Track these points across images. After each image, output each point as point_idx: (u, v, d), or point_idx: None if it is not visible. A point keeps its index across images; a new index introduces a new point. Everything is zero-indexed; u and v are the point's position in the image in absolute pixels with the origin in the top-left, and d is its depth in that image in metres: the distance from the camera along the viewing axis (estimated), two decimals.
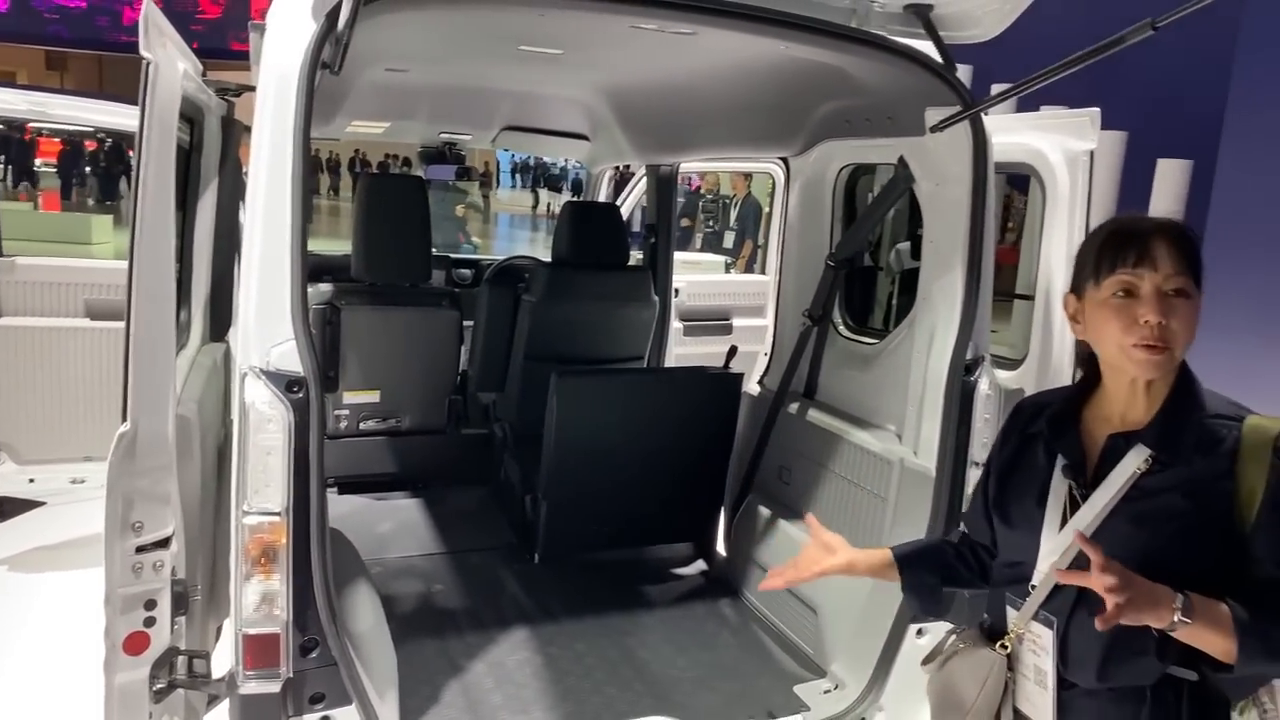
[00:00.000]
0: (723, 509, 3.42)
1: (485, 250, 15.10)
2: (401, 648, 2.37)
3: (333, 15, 1.78)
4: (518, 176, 30.23)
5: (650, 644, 2.84)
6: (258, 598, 1.87)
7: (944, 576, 1.72)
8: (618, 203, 4.80)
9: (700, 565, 3.43)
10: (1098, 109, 2.45)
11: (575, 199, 4.72)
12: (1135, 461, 1.39)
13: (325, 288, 3.73)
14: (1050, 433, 1.52)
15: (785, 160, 3.27)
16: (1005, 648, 1.53)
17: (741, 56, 2.59)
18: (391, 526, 3.65)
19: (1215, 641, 1.30)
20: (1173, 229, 1.40)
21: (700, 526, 3.46)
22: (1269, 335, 2.79)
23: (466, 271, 4.81)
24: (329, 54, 1.83)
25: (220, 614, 2.45)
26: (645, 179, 4.35)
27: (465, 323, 3.97)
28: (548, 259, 3.87)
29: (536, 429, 3.26)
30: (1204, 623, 1.29)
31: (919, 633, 2.41)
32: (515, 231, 22.51)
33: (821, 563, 1.73)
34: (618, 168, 5.07)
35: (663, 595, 3.21)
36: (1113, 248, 1.40)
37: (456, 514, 3.82)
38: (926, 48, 2.30)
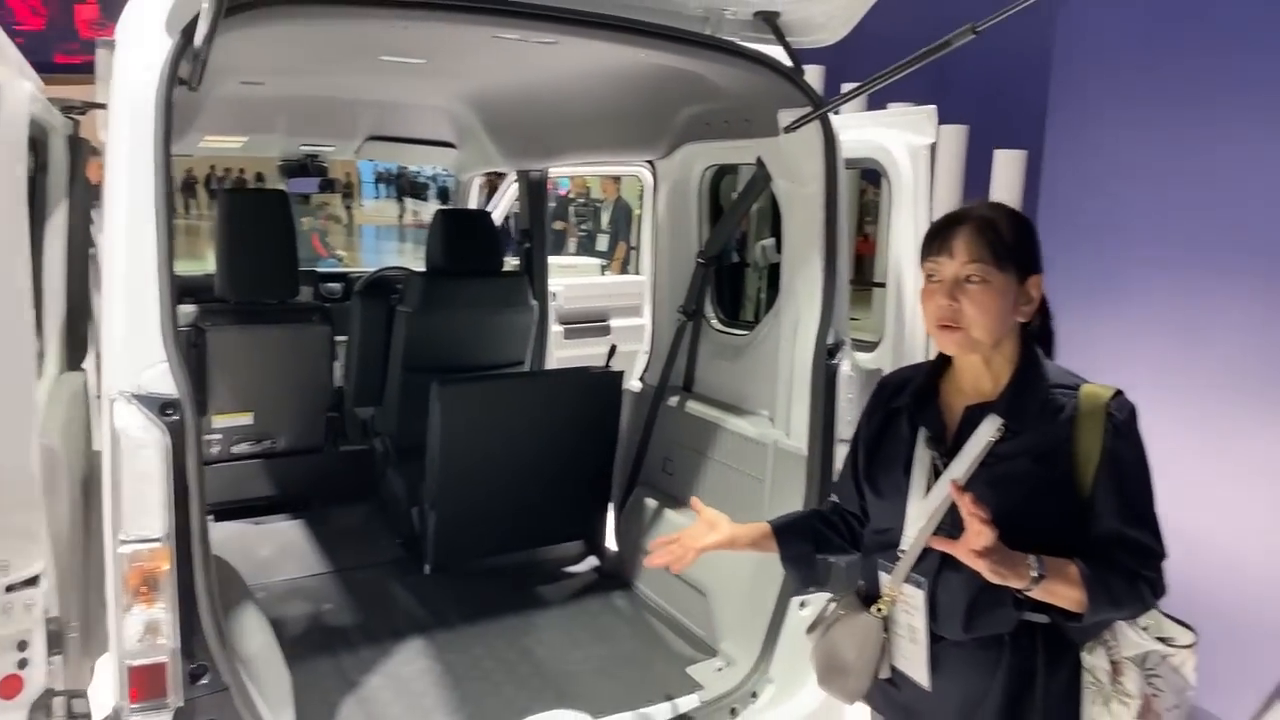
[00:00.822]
0: (610, 504, 3.50)
1: (351, 264, 14.70)
2: (295, 669, 2.33)
3: (189, 30, 1.75)
4: (381, 187, 29.54)
5: (547, 641, 2.88)
6: (140, 628, 1.81)
7: (817, 545, 1.83)
8: (488, 209, 4.81)
9: (592, 561, 3.50)
10: (934, 106, 2.66)
11: (444, 207, 4.70)
12: (989, 430, 1.52)
13: (188, 309, 3.60)
14: (913, 406, 1.65)
15: (651, 163, 3.37)
16: (881, 611, 1.64)
17: (604, 63, 2.67)
18: (273, 550, 3.56)
19: (1067, 595, 1.44)
20: (981, 220, 1.53)
21: (589, 524, 3.52)
22: (1093, 311, 3.07)
23: (335, 285, 4.72)
24: (185, 70, 1.80)
25: (96, 650, 2.35)
26: (516, 185, 4.38)
27: (338, 338, 3.90)
28: (419, 269, 3.85)
29: (418, 441, 3.25)
30: (1056, 581, 1.43)
31: (802, 605, 2.55)
32: (382, 243, 21.97)
33: (704, 538, 1.82)
34: (488, 174, 5.08)
35: (557, 594, 3.26)
36: (929, 237, 1.56)
37: (341, 532, 3.75)
38: (777, 52, 2.44)
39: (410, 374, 3.69)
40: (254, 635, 2.20)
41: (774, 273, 4.74)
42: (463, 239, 3.72)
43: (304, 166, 4.61)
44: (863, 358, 2.74)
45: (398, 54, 2.82)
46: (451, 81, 3.41)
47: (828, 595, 2.38)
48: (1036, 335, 1.61)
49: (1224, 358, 2.79)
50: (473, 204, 4.90)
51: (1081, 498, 1.49)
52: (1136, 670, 1.51)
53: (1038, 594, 1.44)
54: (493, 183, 5.79)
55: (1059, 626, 1.51)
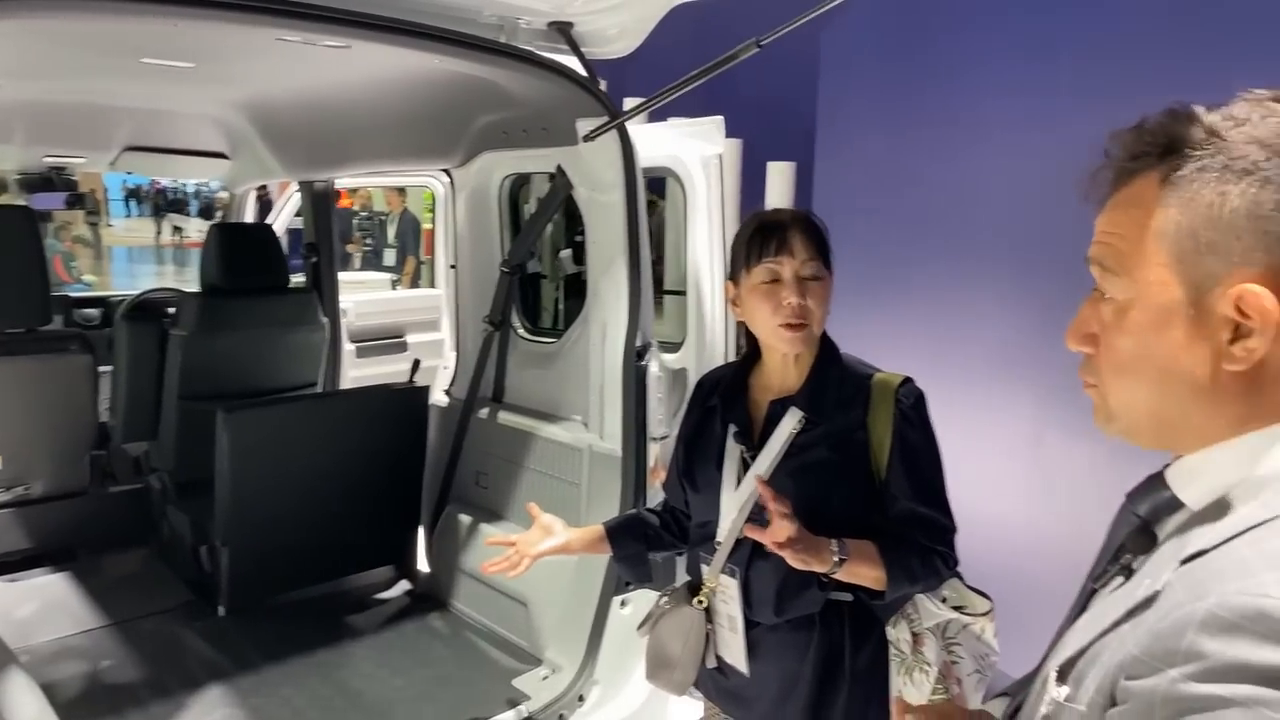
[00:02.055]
0: (421, 524, 3.39)
1: (103, 289, 13.31)
2: None
3: None
4: (132, 204, 26.94)
5: (363, 672, 2.75)
6: None
7: (649, 543, 1.88)
8: (266, 223, 4.54)
9: (404, 585, 3.37)
10: (721, 117, 2.80)
11: (216, 223, 4.39)
12: (790, 423, 1.61)
13: None
14: (722, 404, 1.72)
15: (448, 172, 3.31)
16: (702, 602, 1.70)
17: (395, 69, 2.60)
18: (36, 608, 3.15)
19: (868, 574, 1.54)
20: (806, 221, 1.64)
21: (400, 546, 3.40)
22: (863, 309, 3.33)
23: (92, 311, 4.27)
24: None
25: None
26: (299, 197, 4.15)
27: (101, 368, 3.54)
28: (191, 290, 3.57)
29: (201, 475, 3.01)
30: (858, 562, 1.52)
31: (623, 604, 2.59)
32: (137, 267, 20.08)
33: (540, 544, 1.81)
34: (262, 188, 4.79)
35: (369, 622, 3.12)
36: (759, 239, 1.61)
37: (116, 581, 3.39)
38: (573, 63, 2.48)
39: (188, 403, 3.41)
40: (23, 703, 1.94)
41: (570, 283, 4.79)
42: (243, 255, 3.48)
43: (49, 180, 4.14)
44: (668, 358, 2.83)
45: (162, 56, 2.60)
46: (224, 87, 3.19)
47: (651, 594, 2.45)
48: None
49: (979, 348, 3.12)
50: (249, 218, 4.60)
51: (878, 481, 1.60)
52: (935, 640, 1.63)
53: (841, 575, 1.52)
54: (263, 196, 5.47)
55: (863, 604, 1.62)
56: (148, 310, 3.78)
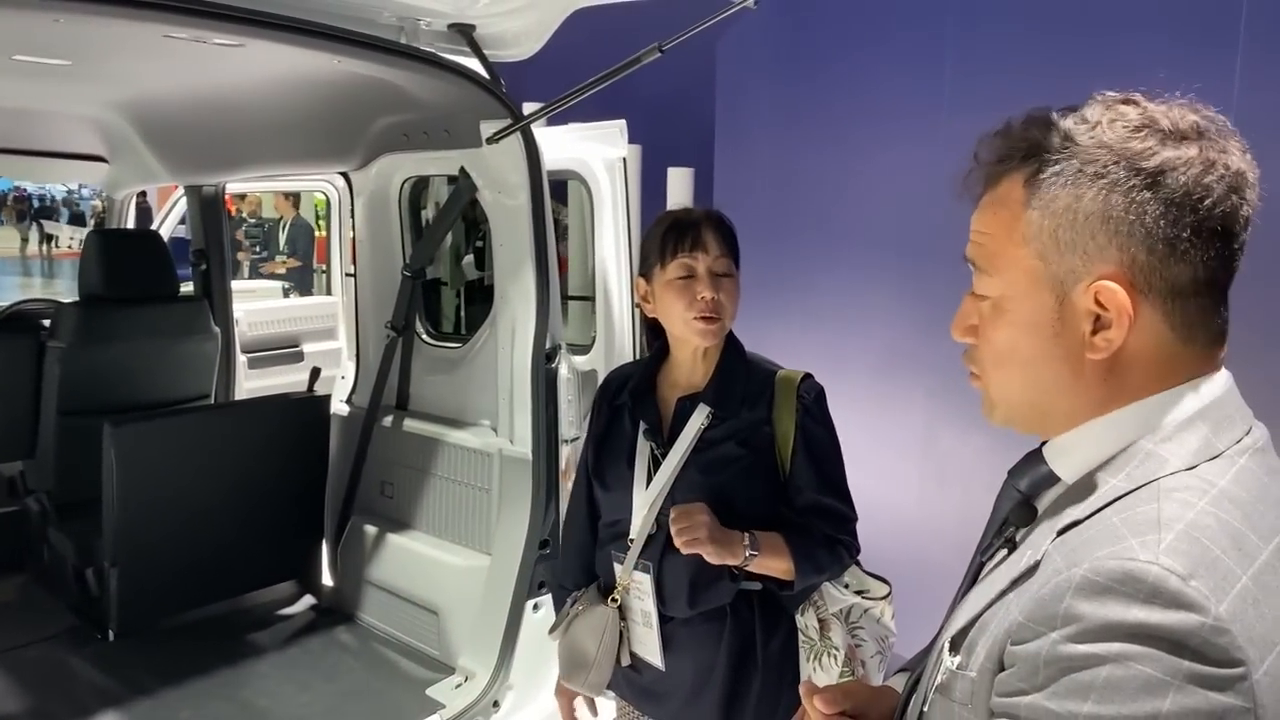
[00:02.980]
0: (325, 537, 3.30)
1: None
2: None
3: None
4: None
5: (269, 691, 2.66)
6: None
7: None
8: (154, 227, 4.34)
9: (308, 600, 3.27)
10: (624, 120, 2.83)
11: (95, 229, 4.17)
12: (698, 419, 1.65)
13: None
14: (631, 401, 1.74)
15: (346, 175, 3.24)
16: (615, 600, 1.71)
17: (291, 69, 2.53)
18: None
19: (779, 566, 1.60)
20: (718, 219, 1.69)
21: (302, 560, 3.29)
22: (767, 308, 3.42)
23: None
24: None
25: None
26: (185, 202, 3.99)
27: None
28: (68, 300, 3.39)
29: (86, 493, 2.86)
30: (768, 554, 1.58)
31: (535, 608, 2.59)
32: (4, 279, 18.82)
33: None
34: (141, 196, 4.58)
35: (273, 639, 3.01)
36: (674, 236, 1.65)
37: None
38: (475, 65, 2.47)
39: (69, 418, 3.23)
40: None
41: (471, 289, 4.75)
42: (127, 262, 3.32)
43: None
44: (578, 360, 2.85)
45: (34, 54, 2.47)
46: (104, 86, 3.04)
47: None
48: None
49: (873, 344, 3.24)
50: (130, 224, 4.38)
51: (783, 474, 1.65)
52: (840, 624, 1.69)
53: (753, 567, 1.58)
54: (142, 205, 5.24)
55: (773, 593, 1.67)
56: (20, 322, 3.57)
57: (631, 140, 5.17)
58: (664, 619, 1.69)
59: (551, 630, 1.83)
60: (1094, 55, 2.42)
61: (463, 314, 5.61)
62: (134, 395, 3.34)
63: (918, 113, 2.98)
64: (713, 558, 1.53)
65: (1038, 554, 0.76)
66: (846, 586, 1.71)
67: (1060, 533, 0.76)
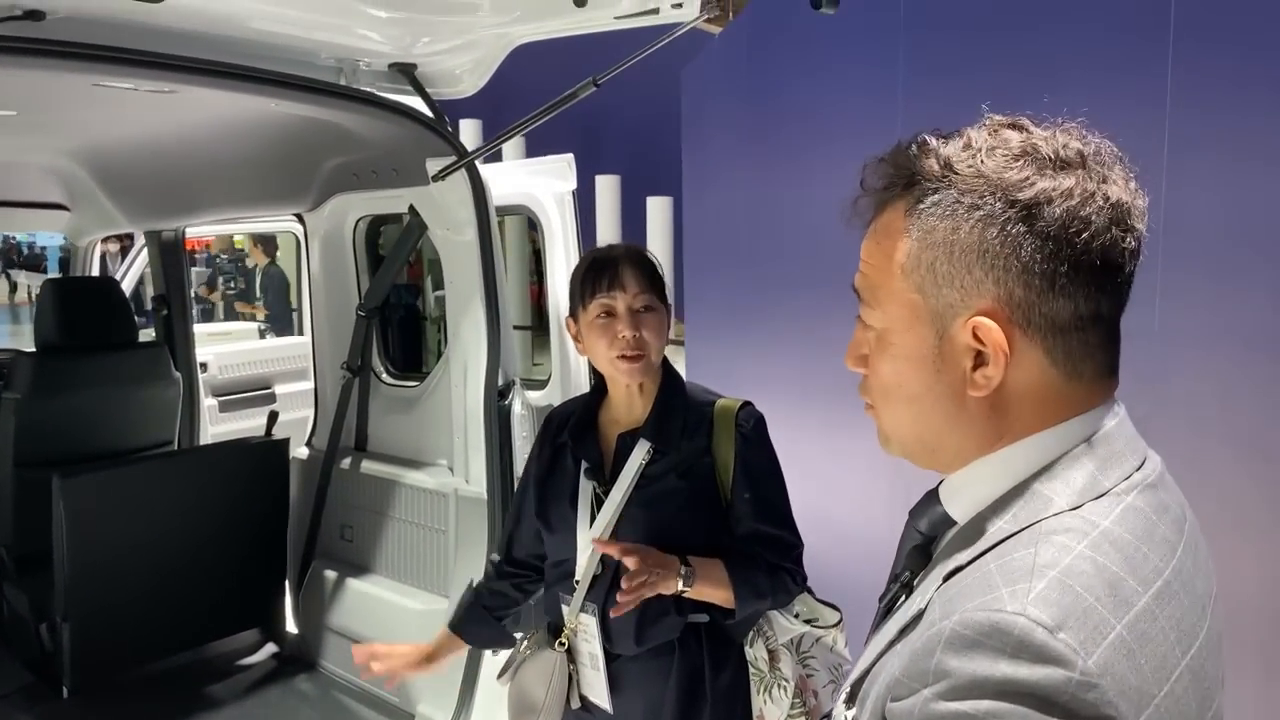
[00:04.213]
0: (287, 583, 3.25)
1: None
2: None
3: None
4: None
5: None
6: None
7: (498, 615, 1.85)
8: (118, 276, 4.31)
9: (270, 649, 3.21)
10: (571, 154, 2.83)
11: (50, 278, 4.15)
12: (639, 455, 1.62)
13: None
14: (572, 440, 1.71)
15: (300, 216, 3.23)
16: (564, 644, 1.67)
17: (233, 114, 2.52)
18: None
19: (718, 594, 1.57)
20: (635, 255, 1.66)
21: (264, 608, 3.23)
22: (734, 333, 3.39)
23: None
24: None
25: None
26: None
27: None
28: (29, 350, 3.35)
29: (43, 546, 2.80)
30: (706, 581, 1.55)
31: (494, 652, 2.53)
32: None
33: (404, 672, 1.83)
34: (121, 238, 4.56)
35: (232, 690, 2.95)
36: (591, 277, 1.63)
37: None
38: (418, 103, 2.46)
39: (25, 470, 3.18)
40: None
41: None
42: (83, 310, 3.29)
43: None
44: (534, 396, 2.81)
45: None
46: (53, 135, 3.03)
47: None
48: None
49: (837, 368, 3.21)
50: (95, 271, 4.36)
51: (724, 502, 1.63)
52: (790, 655, 1.66)
53: (692, 594, 1.55)
54: (126, 248, 5.21)
55: (720, 625, 1.64)
56: None
57: (610, 170, 5.15)
58: (612, 657, 1.66)
59: (500, 676, 1.80)
60: (1044, 79, 2.42)
61: (442, 348, 5.59)
62: (92, 445, 3.29)
63: (872, 135, 2.97)
64: (650, 591, 1.51)
65: (924, 601, 0.73)
66: (797, 616, 1.68)
67: (946, 578, 0.72)
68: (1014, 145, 0.74)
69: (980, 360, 0.73)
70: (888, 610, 0.86)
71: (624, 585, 1.48)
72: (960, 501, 0.79)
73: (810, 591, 1.71)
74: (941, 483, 0.83)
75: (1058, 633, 0.61)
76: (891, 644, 0.74)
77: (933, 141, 0.77)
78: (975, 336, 0.72)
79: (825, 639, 1.69)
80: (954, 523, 0.80)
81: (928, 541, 0.83)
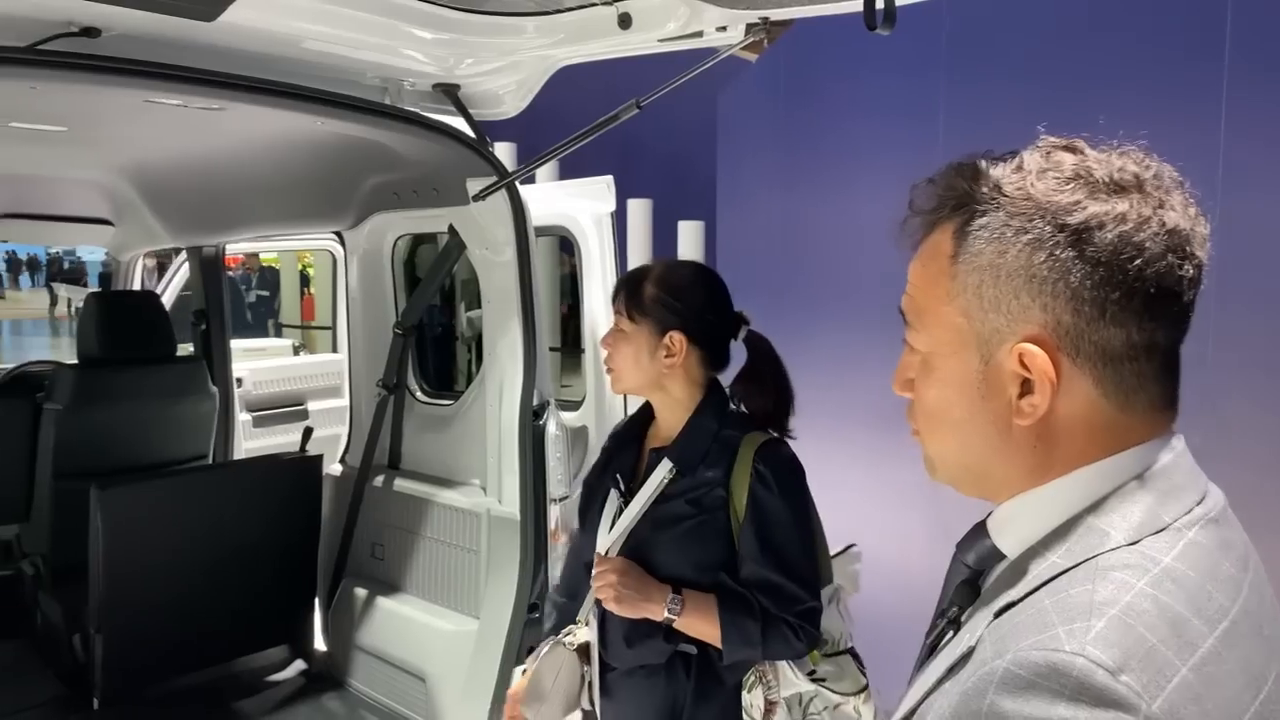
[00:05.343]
0: (317, 600, 3.24)
1: None
2: None
3: None
4: (27, 273, 25.79)
5: None
6: None
7: None
8: (159, 290, 4.37)
9: (299, 666, 3.20)
10: (610, 176, 2.83)
11: (94, 292, 4.22)
12: (660, 473, 1.62)
13: None
14: (612, 450, 1.76)
15: (340, 234, 3.25)
16: (573, 642, 1.70)
17: (279, 131, 2.55)
18: None
19: (706, 631, 1.55)
20: (633, 276, 1.69)
21: (294, 625, 3.23)
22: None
23: None
24: None
25: None
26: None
27: None
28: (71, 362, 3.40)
29: (79, 558, 2.82)
30: (693, 616, 1.54)
31: (524, 672, 2.50)
32: (27, 339, 19.14)
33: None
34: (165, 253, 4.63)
35: (259, 707, 2.94)
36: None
37: None
38: (461, 123, 2.48)
39: (64, 481, 3.21)
40: None
41: (482, 343, 4.74)
42: (124, 323, 3.34)
43: None
44: (568, 417, 2.80)
45: (30, 120, 2.51)
46: (102, 150, 3.09)
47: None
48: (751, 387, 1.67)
49: (876, 396, 3.17)
50: (137, 286, 4.43)
51: (736, 541, 1.58)
52: (788, 712, 1.58)
53: (680, 627, 1.55)
54: (162, 263, 5.30)
55: (711, 661, 1.60)
56: (21, 385, 3.58)
57: (642, 194, 5.18)
58: (608, 667, 1.68)
59: (519, 664, 1.82)
60: (1087, 102, 2.39)
61: (473, 368, 5.61)
62: (130, 457, 3.32)
63: (911, 162, 2.95)
64: (624, 612, 1.55)
65: (973, 639, 0.69)
66: (812, 673, 1.59)
67: (997, 615, 0.69)
68: (1067, 168, 0.72)
69: (1027, 388, 0.71)
70: (933, 648, 0.83)
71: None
72: (1009, 535, 0.76)
73: (855, 655, 1.64)
74: (989, 515, 0.80)
75: (1120, 675, 0.58)
76: (939, 682, 0.71)
77: (983, 163, 0.75)
78: (1021, 363, 0.70)
79: (845, 707, 1.60)
80: (1003, 556, 0.77)
81: (975, 575, 0.80)
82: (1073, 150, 0.74)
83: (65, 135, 2.71)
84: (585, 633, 1.70)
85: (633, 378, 1.66)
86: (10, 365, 3.91)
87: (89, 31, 1.88)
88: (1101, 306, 0.68)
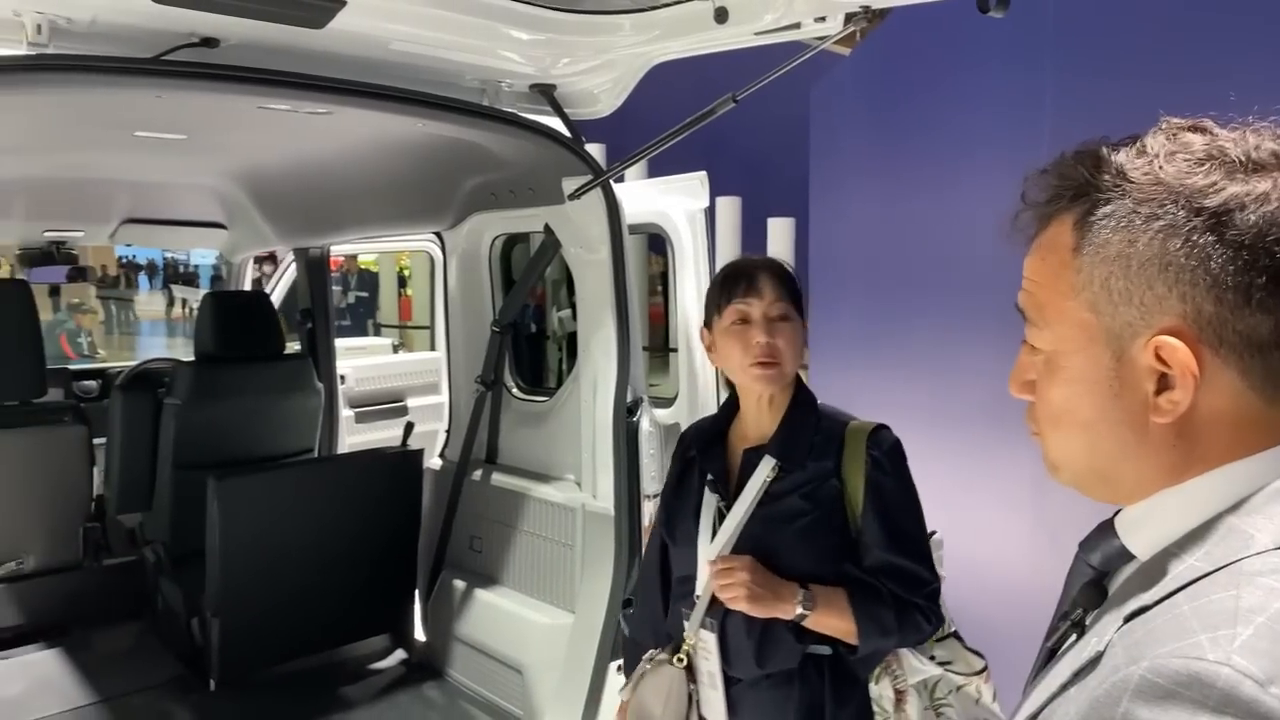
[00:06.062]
0: (417, 591, 3.33)
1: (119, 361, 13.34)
2: None
3: None
4: (145, 276, 27.34)
5: None
6: None
7: None
8: (268, 290, 4.57)
9: (400, 655, 3.30)
10: (704, 172, 2.82)
11: (210, 292, 4.43)
12: (764, 471, 1.59)
13: None
14: (699, 454, 1.70)
15: (439, 235, 3.33)
16: (682, 660, 1.64)
17: (382, 135, 2.63)
18: (25, 686, 3.09)
19: (840, 626, 1.51)
20: (773, 265, 1.65)
21: (395, 614, 3.33)
22: (863, 358, 3.30)
23: (91, 383, 4.28)
24: None
25: None
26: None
27: (96, 440, 3.52)
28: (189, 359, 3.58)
29: (196, 545, 2.97)
30: (826, 612, 1.50)
31: (619, 668, 2.52)
32: (151, 340, 20.24)
33: None
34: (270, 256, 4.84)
35: (363, 693, 3.04)
36: (729, 284, 1.62)
37: (108, 657, 3.33)
38: (556, 123, 2.50)
39: (183, 472, 3.38)
40: None
41: (572, 342, 4.80)
42: (236, 323, 3.49)
43: (48, 254, 4.17)
44: (661, 414, 2.81)
45: (154, 129, 2.65)
46: (217, 157, 3.24)
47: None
48: None
49: (976, 396, 3.07)
50: (247, 286, 4.63)
51: (854, 530, 1.56)
52: (918, 697, 1.56)
53: (811, 625, 1.51)
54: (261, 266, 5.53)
55: (844, 660, 1.57)
56: (144, 380, 3.78)
57: (731, 192, 5.15)
58: (732, 681, 1.62)
59: (621, 690, 1.79)
60: (1202, 90, 2.27)
61: (564, 366, 5.68)
62: (243, 449, 3.48)
63: (1017, 155, 2.84)
64: (757, 612, 1.49)
65: (1102, 643, 0.66)
66: (933, 658, 1.58)
67: (1128, 619, 0.66)
68: (1197, 149, 0.68)
69: (1165, 383, 0.67)
70: (1053, 651, 0.80)
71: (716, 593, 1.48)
72: (1142, 535, 0.72)
73: (958, 637, 1.62)
74: (1118, 513, 0.76)
75: (1270, 687, 0.55)
76: (1064, 687, 0.68)
77: (1102, 150, 0.71)
78: (1158, 358, 0.67)
79: (968, 688, 1.59)
80: (1131, 557, 0.74)
81: (1100, 576, 0.77)
82: (1201, 130, 0.70)
83: (185, 143, 2.85)
84: (703, 646, 1.63)
85: (794, 368, 1.61)
86: (134, 363, 4.13)
87: (209, 42, 1.97)
88: (1246, 293, 0.64)
